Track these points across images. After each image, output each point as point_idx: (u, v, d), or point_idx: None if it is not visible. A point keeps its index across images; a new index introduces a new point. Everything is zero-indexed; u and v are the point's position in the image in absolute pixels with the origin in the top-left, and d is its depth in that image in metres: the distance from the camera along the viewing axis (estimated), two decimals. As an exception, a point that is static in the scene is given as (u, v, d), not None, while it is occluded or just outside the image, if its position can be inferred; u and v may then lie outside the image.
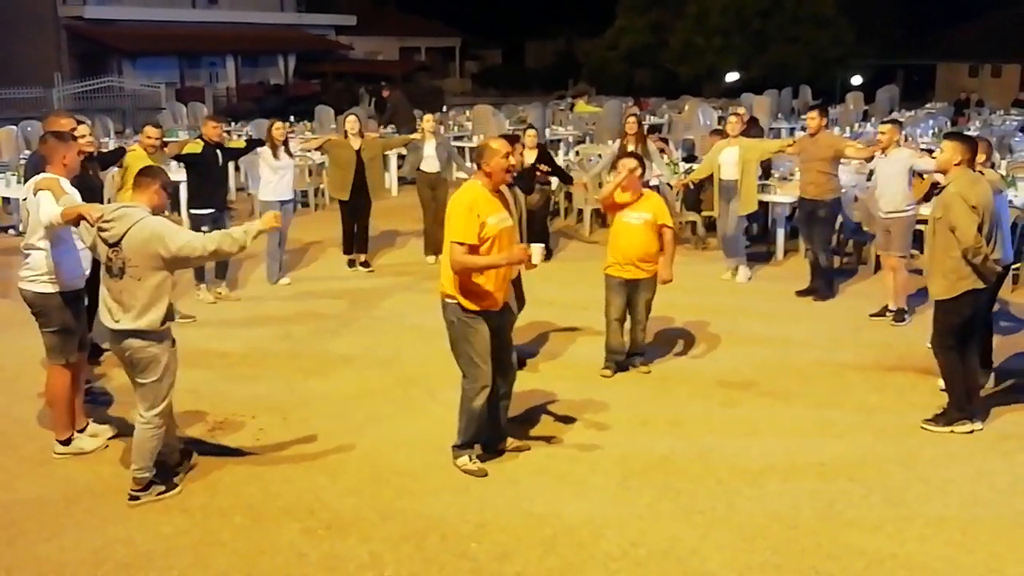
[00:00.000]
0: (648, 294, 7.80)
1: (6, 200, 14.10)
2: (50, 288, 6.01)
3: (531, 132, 11.62)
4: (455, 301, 5.78)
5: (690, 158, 13.22)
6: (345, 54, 45.55)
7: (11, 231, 13.53)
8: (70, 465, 6.14)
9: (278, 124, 10.79)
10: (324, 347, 8.62)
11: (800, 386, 7.65)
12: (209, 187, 9.93)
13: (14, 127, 18.34)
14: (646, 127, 21.59)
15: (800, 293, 10.22)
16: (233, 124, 20.16)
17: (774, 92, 28.61)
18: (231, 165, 12.78)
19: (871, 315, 9.35)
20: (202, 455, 6.18)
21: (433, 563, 5.00)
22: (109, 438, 6.46)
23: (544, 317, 8.92)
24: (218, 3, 41.09)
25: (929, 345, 7.10)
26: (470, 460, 6.04)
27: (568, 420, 6.87)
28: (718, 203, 10.83)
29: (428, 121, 12.19)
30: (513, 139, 7.83)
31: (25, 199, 6.08)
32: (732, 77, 33.51)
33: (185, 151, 9.91)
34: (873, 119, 23.90)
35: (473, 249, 5.63)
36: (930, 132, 18.80)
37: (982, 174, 6.97)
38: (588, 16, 49.18)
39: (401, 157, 15.16)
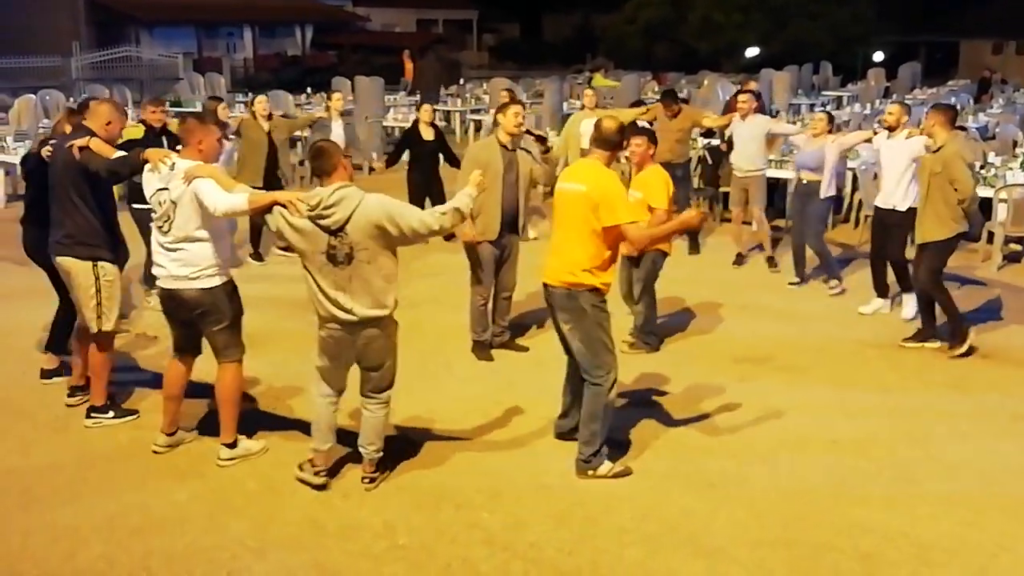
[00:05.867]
0: (638, 273, 7.74)
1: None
2: (217, 280, 5.58)
3: (426, 107, 11.32)
4: (591, 286, 5.46)
5: (707, 133, 13.04)
6: (362, 26, 45.38)
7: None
8: (85, 432, 6.19)
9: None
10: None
11: (816, 362, 7.63)
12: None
13: (33, 96, 18.42)
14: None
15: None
16: (250, 95, 20.16)
17: (794, 68, 28.37)
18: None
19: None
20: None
21: (446, 533, 5.03)
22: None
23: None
24: (236, -27, 40.98)
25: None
26: (613, 463, 5.66)
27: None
28: None
29: (336, 100, 11.45)
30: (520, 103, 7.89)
31: (163, 189, 5.45)
32: (752, 53, 33.16)
33: (125, 137, 8.42)
34: (895, 96, 23.68)
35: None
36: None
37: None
38: (607, -10, 48.77)
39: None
